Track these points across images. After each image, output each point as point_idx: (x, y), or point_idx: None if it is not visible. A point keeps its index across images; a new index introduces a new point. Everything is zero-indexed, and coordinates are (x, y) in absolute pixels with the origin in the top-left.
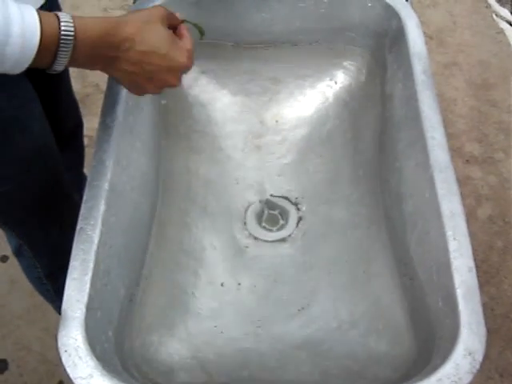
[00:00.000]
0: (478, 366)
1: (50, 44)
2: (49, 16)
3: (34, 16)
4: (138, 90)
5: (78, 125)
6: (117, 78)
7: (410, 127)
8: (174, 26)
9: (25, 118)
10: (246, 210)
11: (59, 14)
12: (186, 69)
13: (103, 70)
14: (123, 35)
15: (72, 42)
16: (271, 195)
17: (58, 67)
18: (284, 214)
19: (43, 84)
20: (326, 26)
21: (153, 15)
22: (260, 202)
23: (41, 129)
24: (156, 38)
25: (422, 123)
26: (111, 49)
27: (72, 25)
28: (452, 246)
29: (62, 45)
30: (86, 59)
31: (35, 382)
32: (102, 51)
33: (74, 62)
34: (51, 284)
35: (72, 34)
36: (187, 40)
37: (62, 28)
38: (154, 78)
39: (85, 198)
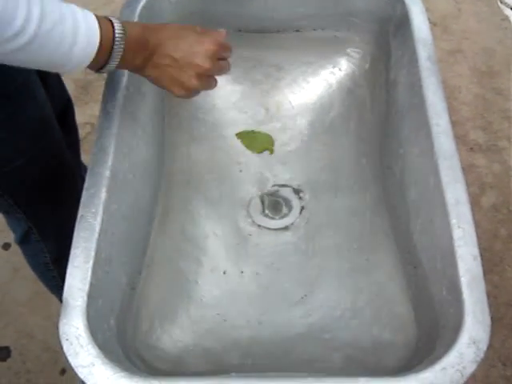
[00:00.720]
0: (482, 355)
1: (106, 44)
2: (104, 20)
3: (95, 20)
4: (178, 84)
5: (67, 104)
6: (157, 78)
7: (414, 114)
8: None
9: (32, 86)
10: (248, 198)
11: (112, 19)
12: (207, 71)
13: (146, 68)
14: (157, 37)
15: (123, 42)
16: (273, 185)
17: (111, 65)
18: (287, 202)
19: None
20: (329, 12)
21: (186, 26)
22: (262, 193)
23: (44, 99)
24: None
25: (427, 110)
26: (147, 46)
27: (122, 29)
28: (456, 234)
29: (116, 43)
30: (131, 56)
31: (38, 370)
32: (141, 49)
33: (123, 61)
34: (58, 270)
35: (123, 35)
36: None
37: (116, 31)
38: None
39: (86, 185)
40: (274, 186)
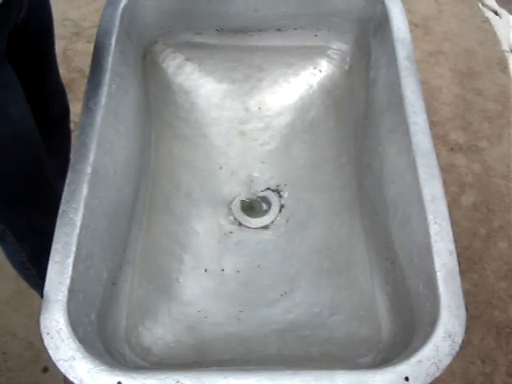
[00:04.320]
0: (457, 349)
1: None
2: None
3: None
4: None
5: (65, 111)
6: None
7: (392, 112)
8: None
9: (3, 103)
10: (230, 197)
11: None
12: None
13: None
14: None
15: None
16: (253, 193)
17: None
18: (267, 201)
19: (28, 69)
20: (310, 11)
21: None
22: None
23: (21, 115)
24: None
25: (405, 108)
26: None
27: None
28: (433, 229)
29: None
30: None
31: (20, 368)
32: None
33: None
34: (35, 268)
35: None
36: None
37: None
38: None
39: (67, 181)
40: (252, 186)
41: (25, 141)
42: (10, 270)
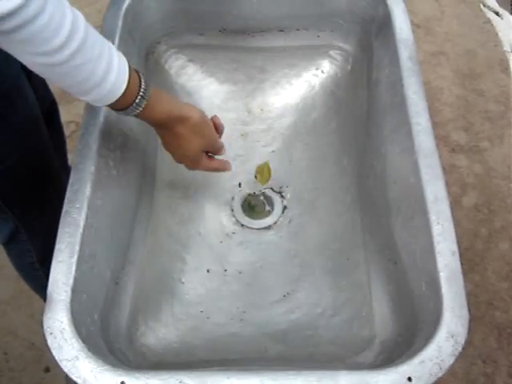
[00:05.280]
0: (460, 349)
1: (130, 95)
2: (134, 75)
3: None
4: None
5: (52, 103)
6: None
7: (395, 113)
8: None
9: (22, 86)
10: (232, 198)
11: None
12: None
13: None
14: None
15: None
16: (254, 193)
17: (131, 113)
18: (270, 202)
19: None
20: (313, 12)
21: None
22: (246, 196)
23: (33, 98)
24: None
25: (408, 109)
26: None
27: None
28: (436, 230)
29: (137, 101)
30: (151, 119)
31: (21, 368)
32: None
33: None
34: (43, 269)
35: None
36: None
37: (142, 87)
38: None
39: (70, 181)
40: (255, 193)
41: (39, 126)
42: (11, 271)
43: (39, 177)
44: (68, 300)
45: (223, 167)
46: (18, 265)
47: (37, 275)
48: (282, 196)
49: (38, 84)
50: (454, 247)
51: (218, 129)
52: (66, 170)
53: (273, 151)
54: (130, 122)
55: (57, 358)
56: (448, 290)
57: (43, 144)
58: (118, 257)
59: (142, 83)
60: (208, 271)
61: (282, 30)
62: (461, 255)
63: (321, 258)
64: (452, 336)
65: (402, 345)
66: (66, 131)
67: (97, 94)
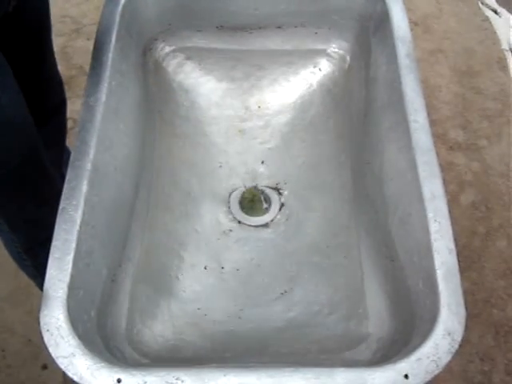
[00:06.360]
0: (457, 346)
1: None
2: None
3: None
4: None
5: (62, 102)
6: None
7: (393, 110)
8: None
9: None
10: (229, 195)
11: None
12: None
13: None
14: None
15: None
16: (254, 187)
17: None
18: (267, 199)
19: (22, 58)
20: (311, 9)
21: None
22: (245, 187)
23: (10, 101)
24: None
25: (405, 106)
26: None
27: None
28: (433, 227)
29: None
30: None
31: (19, 365)
32: None
33: None
34: (31, 260)
35: None
36: None
37: None
38: None
39: (67, 178)
40: (253, 187)
41: (15, 128)
42: (9, 267)
43: (18, 177)
44: (64, 297)
45: None
46: (9, 253)
47: (26, 265)
48: (280, 193)
49: (49, 83)
50: (452, 245)
51: None
52: (65, 165)
53: (270, 148)
54: (127, 119)
55: (53, 354)
56: (445, 288)
57: (23, 145)
58: (115, 254)
59: None
60: (205, 268)
61: (279, 27)
62: (458, 253)
63: (318, 256)
64: (449, 333)
65: (399, 342)
66: None
67: None
